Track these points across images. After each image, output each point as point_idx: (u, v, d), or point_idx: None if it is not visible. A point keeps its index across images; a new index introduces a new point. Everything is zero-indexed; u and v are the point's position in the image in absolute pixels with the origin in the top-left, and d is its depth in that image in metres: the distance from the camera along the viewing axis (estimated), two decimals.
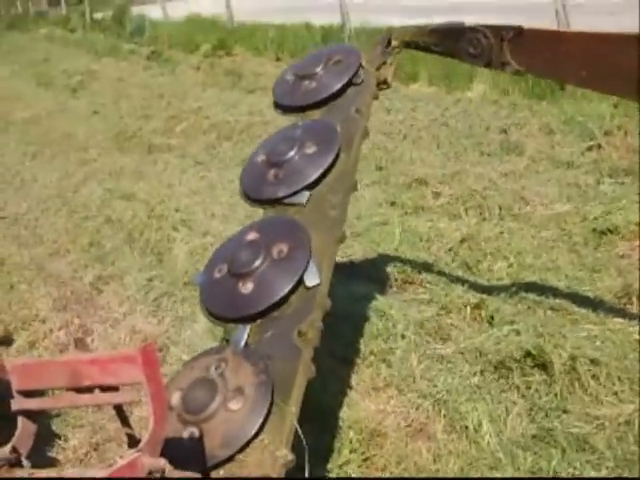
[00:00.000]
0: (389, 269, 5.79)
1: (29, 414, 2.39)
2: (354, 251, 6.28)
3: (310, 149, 3.71)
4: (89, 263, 6.95)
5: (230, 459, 2.75)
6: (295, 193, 3.71)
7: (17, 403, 2.37)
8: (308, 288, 3.24)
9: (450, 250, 6.11)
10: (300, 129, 3.88)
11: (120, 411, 2.49)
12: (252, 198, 3.86)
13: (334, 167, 3.62)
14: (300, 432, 2.82)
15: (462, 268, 5.85)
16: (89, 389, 2.24)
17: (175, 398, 3.00)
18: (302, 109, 4.10)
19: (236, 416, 2.82)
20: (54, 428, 4.57)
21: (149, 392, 2.07)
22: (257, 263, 3.30)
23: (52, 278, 6.79)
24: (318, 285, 3.26)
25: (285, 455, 2.72)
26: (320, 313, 3.17)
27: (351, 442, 4.14)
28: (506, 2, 14.16)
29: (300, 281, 3.22)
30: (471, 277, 5.69)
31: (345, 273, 5.85)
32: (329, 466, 4.05)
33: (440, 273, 5.74)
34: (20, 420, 2.38)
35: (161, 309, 5.84)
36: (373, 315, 5.13)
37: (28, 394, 2.37)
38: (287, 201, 3.72)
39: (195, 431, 2.79)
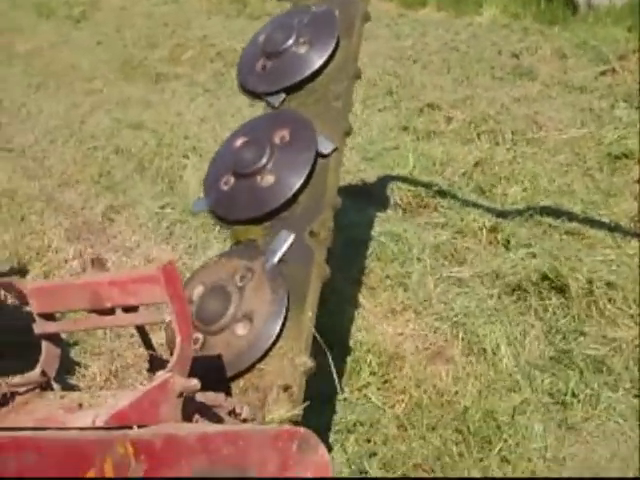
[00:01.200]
0: (403, 193, 5.76)
1: (52, 337, 2.39)
2: (367, 175, 6.23)
3: (307, 38, 3.63)
4: (100, 193, 6.91)
5: (249, 369, 2.76)
6: (274, 93, 3.66)
7: (39, 327, 2.36)
8: (326, 155, 3.22)
9: (464, 174, 6.06)
10: (297, 16, 3.78)
11: (142, 332, 2.49)
12: (242, 86, 3.83)
13: (334, 56, 3.55)
14: (319, 337, 2.82)
15: (476, 192, 5.82)
16: (110, 311, 2.22)
17: (197, 293, 3.00)
18: None
19: (260, 309, 2.81)
20: (73, 356, 4.58)
21: (173, 310, 2.05)
22: (265, 156, 3.27)
23: (63, 209, 6.76)
24: (335, 150, 3.23)
25: (305, 362, 2.72)
26: (331, 212, 3.17)
27: (370, 365, 4.15)
28: None
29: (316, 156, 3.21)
30: (485, 201, 5.65)
31: (359, 198, 5.82)
32: (348, 389, 4.07)
33: (454, 197, 5.71)
34: (44, 344, 2.37)
35: (174, 236, 5.82)
36: (388, 239, 5.11)
37: (49, 317, 2.36)
38: (266, 99, 3.69)
39: (199, 337, 2.79)
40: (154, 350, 2.50)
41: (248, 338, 2.79)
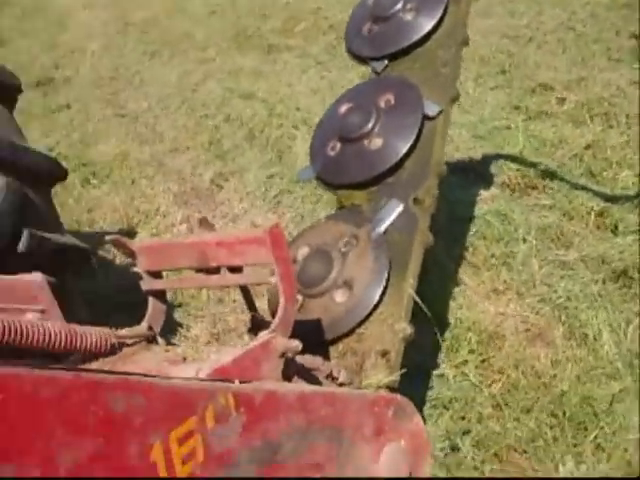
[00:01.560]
0: (512, 173, 5.68)
1: (158, 294, 2.45)
2: (477, 154, 6.17)
3: (414, 4, 3.63)
4: (209, 160, 7.02)
5: (349, 333, 2.78)
6: (378, 59, 3.66)
7: (146, 284, 2.43)
8: (432, 118, 3.21)
9: (574, 157, 5.94)
10: None
11: (246, 293, 2.53)
12: (348, 48, 3.86)
13: (442, 21, 3.54)
14: (420, 303, 2.82)
15: (586, 176, 5.69)
16: (216, 271, 2.27)
17: (301, 254, 3.03)
18: None
19: (360, 278, 2.82)
20: (177, 318, 4.70)
21: (278, 272, 2.08)
22: (372, 120, 3.28)
23: (172, 174, 6.90)
24: (441, 112, 3.22)
25: (404, 328, 2.72)
26: (436, 179, 3.14)
27: (469, 343, 4.14)
28: None
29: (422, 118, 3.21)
30: (595, 185, 5.53)
31: (467, 176, 5.78)
32: (446, 365, 4.07)
33: (563, 179, 5.60)
34: (150, 300, 2.44)
35: (281, 205, 5.88)
36: (494, 218, 5.07)
37: (156, 275, 2.43)
38: (371, 64, 3.70)
39: (298, 299, 2.81)
40: (256, 311, 2.55)
41: (346, 305, 2.80)
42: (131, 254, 2.41)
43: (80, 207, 6.49)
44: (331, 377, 2.41)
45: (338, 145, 3.37)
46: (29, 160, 3.17)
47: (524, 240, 4.84)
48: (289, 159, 6.64)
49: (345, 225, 3.04)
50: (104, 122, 8.75)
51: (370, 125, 3.27)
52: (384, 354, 2.67)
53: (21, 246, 2.93)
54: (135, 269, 2.42)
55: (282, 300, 2.07)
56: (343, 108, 3.52)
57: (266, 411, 1.72)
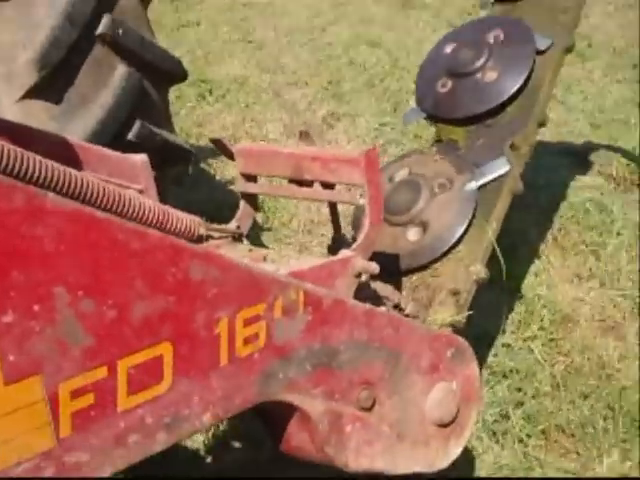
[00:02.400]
0: (621, 167, 5.60)
1: (250, 197, 2.53)
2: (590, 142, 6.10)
3: None
4: (325, 98, 7.07)
5: (425, 267, 2.81)
6: None
7: (240, 185, 2.51)
8: (542, 52, 3.20)
9: None
10: None
11: (334, 211, 2.59)
12: None
13: None
14: (498, 250, 2.83)
15: None
16: (309, 184, 2.32)
17: (400, 174, 3.09)
18: None
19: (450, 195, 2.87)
20: (264, 240, 4.79)
21: (368, 194, 2.12)
22: (484, 54, 3.29)
23: (287, 106, 6.97)
24: (551, 45, 3.20)
25: (479, 271, 2.74)
26: (536, 127, 3.14)
27: (542, 320, 4.15)
28: None
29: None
30: None
31: (574, 162, 5.73)
32: (514, 336, 4.09)
33: None
34: (242, 202, 2.52)
35: (387, 155, 5.90)
36: (594, 208, 5.02)
37: (251, 178, 2.50)
38: None
39: (418, 229, 2.86)
40: (340, 231, 2.60)
41: (412, 246, 2.83)
42: (230, 155, 2.49)
43: (191, 120, 6.62)
44: (399, 307, 2.46)
45: (449, 82, 3.36)
46: (153, 55, 3.26)
47: (618, 234, 4.79)
48: (403, 111, 6.63)
49: (448, 165, 3.04)
50: (230, 44, 8.84)
51: (483, 58, 3.26)
52: (455, 293, 2.71)
53: (131, 134, 3.05)
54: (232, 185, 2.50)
55: (367, 222, 2.12)
56: (449, 47, 3.51)
57: (332, 316, 1.79)
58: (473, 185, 2.93)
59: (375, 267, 2.07)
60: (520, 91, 3.17)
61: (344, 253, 2.07)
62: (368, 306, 1.95)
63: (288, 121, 6.59)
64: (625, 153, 5.78)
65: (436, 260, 2.81)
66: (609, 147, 5.89)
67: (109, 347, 1.38)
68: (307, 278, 1.85)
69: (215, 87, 7.36)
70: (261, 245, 4.65)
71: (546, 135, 6.15)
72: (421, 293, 2.75)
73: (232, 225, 2.39)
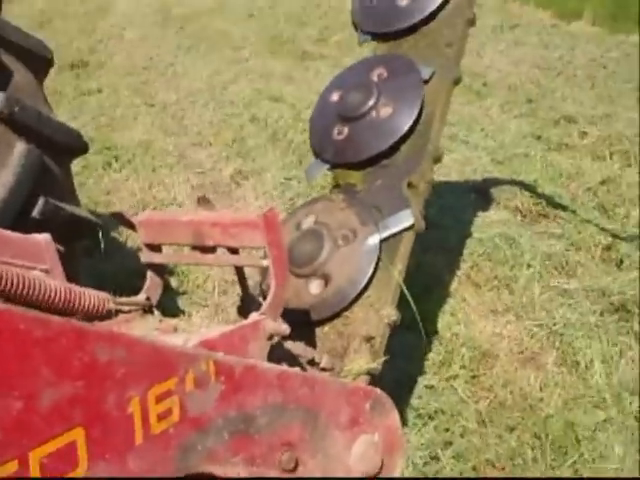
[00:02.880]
0: (525, 200, 5.74)
1: (156, 267, 2.51)
2: (493, 178, 6.24)
3: None
4: (231, 156, 7.12)
5: (337, 315, 2.81)
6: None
7: (145, 256, 2.49)
8: (426, 81, 3.22)
9: (589, 190, 6.00)
10: None
11: (241, 274, 2.59)
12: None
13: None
14: (406, 291, 2.85)
15: (599, 210, 5.75)
16: (212, 250, 2.33)
17: (307, 222, 3.07)
18: None
19: (352, 249, 2.87)
20: (180, 304, 4.78)
21: (271, 256, 2.13)
22: (374, 92, 3.29)
23: (193, 167, 7.00)
24: (433, 74, 3.23)
25: (390, 314, 2.75)
26: (431, 163, 3.11)
27: (462, 358, 4.20)
28: None
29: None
30: (606, 220, 5.58)
31: (481, 198, 5.86)
32: (437, 377, 4.13)
33: (575, 211, 5.66)
34: (148, 272, 2.50)
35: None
36: (503, 242, 5.12)
37: (155, 248, 2.49)
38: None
39: (320, 282, 2.84)
40: (248, 293, 2.60)
41: (315, 299, 2.83)
42: (131, 226, 2.47)
43: (99, 189, 6.60)
44: (313, 363, 2.47)
45: (345, 128, 3.34)
46: (52, 130, 3.24)
47: (529, 265, 4.90)
48: (309, 163, 6.70)
49: (353, 215, 3.02)
50: (132, 109, 8.88)
51: (374, 97, 3.24)
52: (369, 339, 2.71)
53: (35, 212, 3.01)
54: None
55: (273, 283, 2.13)
56: (335, 95, 3.50)
57: (245, 383, 1.79)
58: (376, 239, 2.92)
59: (286, 328, 2.07)
60: (418, 121, 3.19)
61: (254, 317, 2.08)
62: (281, 368, 1.96)
63: (196, 182, 6.60)
64: (526, 186, 5.94)
65: (337, 314, 2.81)
66: (512, 182, 6.04)
67: (19, 440, 1.35)
68: (218, 346, 1.84)
69: (121, 153, 7.36)
70: (177, 310, 4.63)
71: (451, 175, 6.29)
72: (335, 342, 2.76)
73: (141, 297, 2.37)
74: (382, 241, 2.90)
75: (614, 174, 6.24)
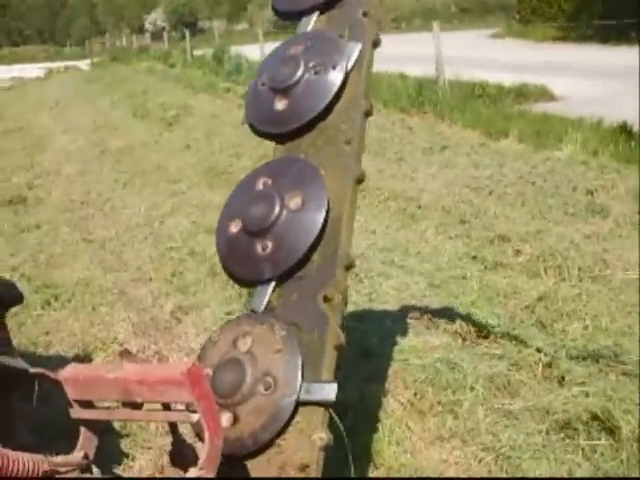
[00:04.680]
0: (464, 322, 5.81)
1: (88, 423, 2.47)
2: (431, 302, 6.31)
3: (313, 67, 3.29)
4: (170, 292, 7.12)
5: (269, 444, 2.75)
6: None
7: (75, 412, 2.45)
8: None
9: (526, 307, 6.10)
10: (299, 46, 3.43)
11: (174, 428, 2.56)
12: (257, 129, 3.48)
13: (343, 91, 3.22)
14: (333, 414, 2.80)
15: (537, 326, 5.82)
16: (142, 406, 2.31)
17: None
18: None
19: (269, 400, 2.76)
20: (123, 447, 4.69)
21: (201, 411, 2.12)
22: (275, 213, 3.06)
23: (133, 303, 6.98)
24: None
25: (322, 437, 2.70)
26: (344, 272, 2.99)
27: None
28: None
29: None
30: (545, 336, 5.66)
31: (420, 323, 5.91)
32: None
33: (514, 330, 5.73)
34: (81, 428, 2.46)
35: None
36: (444, 366, 5.15)
37: (84, 404, 2.46)
38: None
39: (230, 415, 2.77)
40: (185, 445, 2.57)
41: (232, 436, 2.77)
42: (57, 384, 2.44)
43: (38, 329, 6.54)
44: None
45: (242, 229, 3.16)
46: None
47: (471, 388, 4.91)
48: (248, 297, 6.71)
49: (282, 362, 2.83)
50: (71, 246, 8.90)
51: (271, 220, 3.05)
52: (303, 468, 2.66)
53: None
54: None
55: (207, 436, 2.11)
56: (234, 226, 3.23)
57: None
58: (292, 400, 2.76)
59: None
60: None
61: (193, 472, 2.06)
62: None
63: (136, 319, 6.58)
64: (465, 308, 6.02)
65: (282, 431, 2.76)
66: (448, 307, 6.11)
67: None
68: None
69: (60, 292, 7.34)
70: (120, 454, 4.55)
71: (390, 302, 6.36)
72: (272, 471, 2.71)
73: (77, 455, 2.33)
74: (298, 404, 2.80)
75: (550, 289, 6.35)
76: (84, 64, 44.05)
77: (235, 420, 2.78)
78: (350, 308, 5.87)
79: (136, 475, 4.40)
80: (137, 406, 2.30)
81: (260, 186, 3.22)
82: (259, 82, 3.49)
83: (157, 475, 4.40)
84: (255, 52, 26.60)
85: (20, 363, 3.35)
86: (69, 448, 2.50)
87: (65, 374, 2.40)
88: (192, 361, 2.18)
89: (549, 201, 8.83)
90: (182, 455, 2.58)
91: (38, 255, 8.65)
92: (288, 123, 3.31)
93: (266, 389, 2.81)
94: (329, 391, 2.77)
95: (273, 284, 3.07)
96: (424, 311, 6.10)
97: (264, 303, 3.05)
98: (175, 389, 2.14)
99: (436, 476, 4.23)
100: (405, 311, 6.13)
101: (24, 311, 6.69)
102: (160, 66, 30.99)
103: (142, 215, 9.78)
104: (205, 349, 3.10)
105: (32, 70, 42.75)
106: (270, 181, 3.21)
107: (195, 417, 2.15)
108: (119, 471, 4.41)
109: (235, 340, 2.98)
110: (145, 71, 29.75)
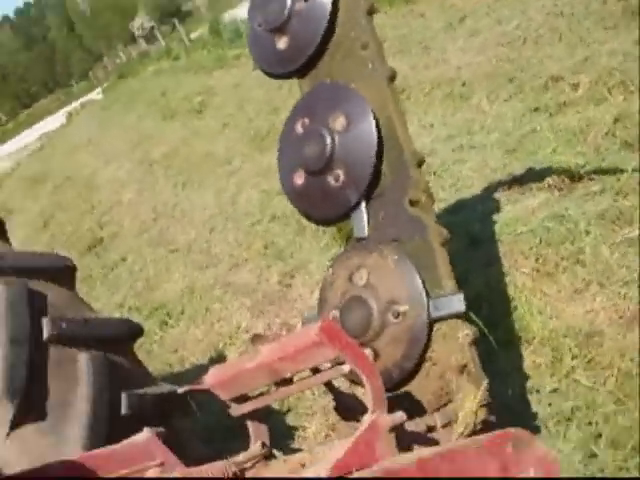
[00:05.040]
0: (553, 174, 5.69)
1: (251, 415, 2.51)
2: (514, 168, 6.21)
3: None
4: (270, 264, 7.14)
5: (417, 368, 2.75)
6: None
7: (234, 410, 2.50)
8: None
9: (607, 134, 5.94)
10: None
11: (330, 386, 2.58)
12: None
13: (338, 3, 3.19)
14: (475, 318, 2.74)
15: (624, 148, 5.68)
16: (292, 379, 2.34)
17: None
18: None
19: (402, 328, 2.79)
20: (289, 422, 4.76)
21: (349, 360, 2.13)
22: (328, 143, 3.12)
23: (241, 289, 7.03)
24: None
25: (467, 333, 2.68)
26: (417, 170, 2.99)
27: (570, 350, 4.12)
28: None
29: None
30: (635, 154, 5.50)
31: (512, 191, 5.83)
32: (556, 378, 4.05)
33: (604, 160, 5.60)
34: (248, 422, 2.50)
35: None
36: (553, 222, 5.06)
37: (239, 400, 2.49)
38: None
39: (370, 352, 2.75)
40: (347, 399, 2.58)
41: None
42: (206, 392, 2.48)
43: (165, 350, 6.67)
44: (431, 428, 2.44)
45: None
46: (102, 328, 3.33)
47: (587, 232, 4.83)
48: (344, 234, 6.68)
49: (404, 285, 2.86)
50: (160, 263, 9.00)
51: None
52: (462, 369, 2.65)
53: (123, 409, 3.06)
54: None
55: (365, 380, 2.11)
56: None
57: None
58: (424, 321, 2.80)
59: (401, 415, 2.07)
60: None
61: (367, 419, 2.06)
62: (416, 455, 1.95)
63: (250, 302, 6.65)
64: (549, 159, 5.90)
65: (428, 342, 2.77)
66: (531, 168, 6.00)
67: None
68: (351, 464, 1.85)
69: (170, 308, 7.63)
70: (290, 428, 4.62)
71: (475, 185, 6.27)
72: (433, 385, 2.71)
73: (256, 447, 2.38)
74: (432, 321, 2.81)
75: (622, 108, 6.18)
76: (96, 94, 44.25)
77: (376, 355, 2.79)
78: (440, 205, 5.83)
79: (314, 441, 4.46)
80: (288, 381, 2.32)
81: (300, 129, 3.28)
82: (254, 24, 3.50)
83: (331, 433, 4.46)
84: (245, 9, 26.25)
85: (166, 387, 3.44)
86: (243, 443, 2.55)
87: (210, 380, 2.45)
88: (321, 319, 2.19)
89: (585, 24, 8.55)
90: (348, 407, 2.61)
91: (135, 284, 8.80)
92: (296, 60, 3.34)
93: (396, 317, 2.81)
94: (457, 302, 2.75)
95: (364, 205, 3.08)
96: (511, 179, 6.01)
97: (366, 227, 3.07)
98: (316, 351, 2.15)
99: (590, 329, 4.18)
100: (493, 187, 6.04)
101: (146, 339, 6.80)
102: (166, 63, 30.86)
103: (213, 205, 9.82)
104: (323, 292, 3.13)
105: (53, 122, 43.19)
106: (307, 119, 3.26)
107: (346, 368, 2.16)
108: (297, 445, 4.48)
109: (350, 276, 2.99)
110: (154, 75, 29.68)
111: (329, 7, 3.18)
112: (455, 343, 2.72)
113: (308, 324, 3.07)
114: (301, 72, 3.38)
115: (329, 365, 2.27)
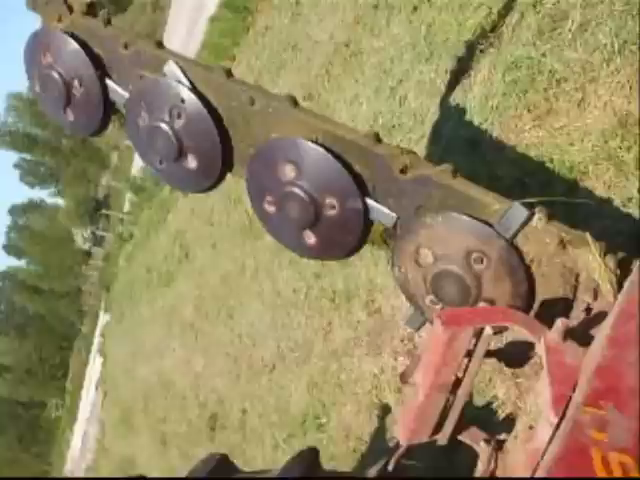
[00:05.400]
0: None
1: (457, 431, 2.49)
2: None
3: None
4: (345, 308, 7.09)
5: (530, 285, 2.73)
6: None
7: (443, 439, 2.47)
8: None
9: None
10: None
11: (489, 353, 2.52)
12: None
13: None
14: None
15: None
16: None
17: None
18: None
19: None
20: (478, 404, 4.68)
21: (485, 322, 2.18)
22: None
23: (344, 344, 6.94)
24: None
25: (539, 217, 2.63)
26: (381, 145, 2.96)
27: None
28: None
29: None
30: None
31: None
32: None
33: None
34: (461, 440, 2.50)
35: None
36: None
37: (435, 431, 2.45)
38: None
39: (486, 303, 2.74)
40: (510, 350, 2.54)
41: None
42: (410, 450, 2.50)
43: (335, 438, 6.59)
44: (587, 310, 2.40)
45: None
46: None
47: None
48: (377, 237, 6.51)
49: (467, 233, 2.78)
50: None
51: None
52: (561, 244, 2.57)
53: None
54: None
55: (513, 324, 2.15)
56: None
57: None
58: (506, 245, 2.71)
59: (561, 321, 2.06)
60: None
61: (538, 350, 2.09)
62: None
63: (352, 334, 6.65)
64: None
65: None
66: None
67: None
68: None
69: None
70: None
71: None
72: (551, 278, 2.70)
73: (484, 446, 2.37)
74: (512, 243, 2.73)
75: None
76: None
77: (492, 303, 2.74)
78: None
79: (503, 398, 4.43)
80: (459, 381, 2.32)
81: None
82: (156, 166, 3.54)
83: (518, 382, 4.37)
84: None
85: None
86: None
87: (403, 437, 2.43)
88: (440, 313, 2.18)
89: None
90: (513, 355, 2.58)
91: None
92: (215, 166, 3.38)
93: (481, 263, 2.77)
94: (519, 212, 2.66)
95: (373, 202, 3.02)
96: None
97: (390, 213, 2.98)
98: (455, 342, 2.17)
99: None
100: None
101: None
102: (129, 246, 30.02)
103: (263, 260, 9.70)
104: (406, 290, 3.07)
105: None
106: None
107: (488, 330, 2.16)
108: (505, 414, 4.43)
109: (417, 262, 2.93)
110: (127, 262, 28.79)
111: (204, 109, 3.24)
112: (537, 231, 2.68)
113: (413, 325, 3.14)
114: (229, 168, 3.42)
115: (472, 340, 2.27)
